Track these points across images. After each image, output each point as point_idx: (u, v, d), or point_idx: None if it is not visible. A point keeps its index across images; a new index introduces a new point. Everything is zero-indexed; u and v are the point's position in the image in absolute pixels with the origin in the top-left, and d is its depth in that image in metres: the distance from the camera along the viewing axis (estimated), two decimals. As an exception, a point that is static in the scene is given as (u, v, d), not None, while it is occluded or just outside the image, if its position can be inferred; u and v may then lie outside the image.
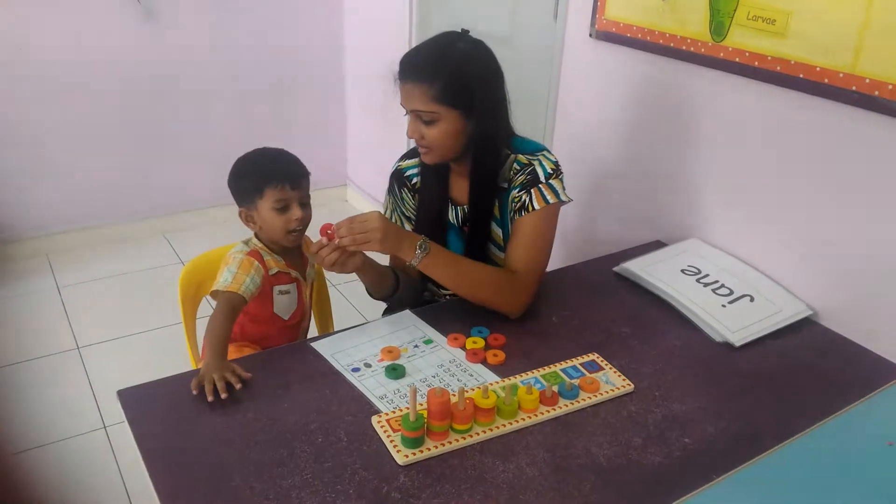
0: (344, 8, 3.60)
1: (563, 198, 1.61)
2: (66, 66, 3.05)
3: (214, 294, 1.57)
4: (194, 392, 1.29)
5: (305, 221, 1.66)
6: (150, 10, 3.14)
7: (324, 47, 3.64)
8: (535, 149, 1.65)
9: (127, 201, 3.41)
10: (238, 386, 1.30)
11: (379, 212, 1.47)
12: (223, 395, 1.28)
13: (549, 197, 1.58)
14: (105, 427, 2.25)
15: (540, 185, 1.59)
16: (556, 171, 1.62)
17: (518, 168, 1.62)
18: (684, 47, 1.86)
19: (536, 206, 1.58)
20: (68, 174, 3.23)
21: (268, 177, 1.61)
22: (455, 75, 1.49)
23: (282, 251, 1.68)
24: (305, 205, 1.66)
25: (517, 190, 1.61)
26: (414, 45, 2.96)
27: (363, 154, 3.82)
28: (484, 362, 1.43)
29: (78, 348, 2.64)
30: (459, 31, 1.57)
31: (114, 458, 2.13)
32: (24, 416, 2.28)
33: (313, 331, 1.89)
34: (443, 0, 2.90)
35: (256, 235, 1.69)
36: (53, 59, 3.02)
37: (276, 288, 1.67)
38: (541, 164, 1.61)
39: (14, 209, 3.13)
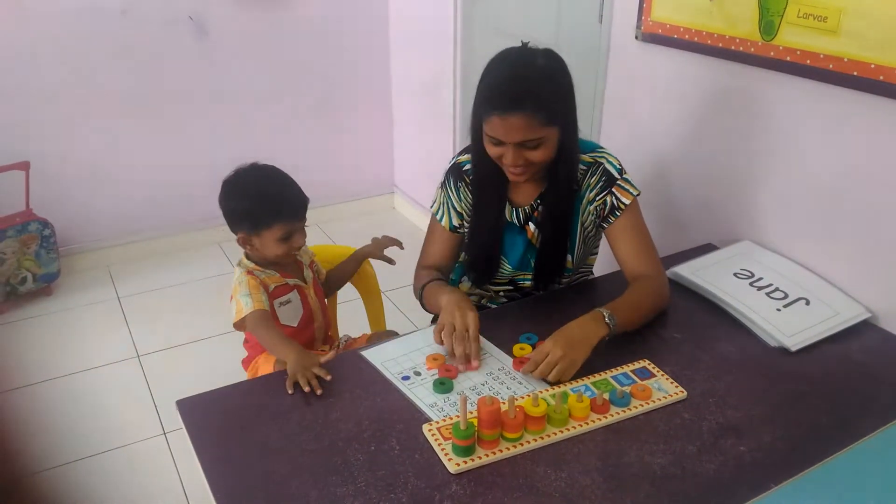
0: (389, 17, 3.64)
1: (638, 189, 1.65)
2: (124, 83, 3.15)
3: (242, 323, 1.60)
4: (290, 392, 1.36)
5: (303, 245, 1.69)
6: (201, 27, 3.23)
7: (370, 56, 3.68)
8: (593, 147, 1.67)
9: (182, 213, 3.50)
10: (328, 377, 1.37)
11: (546, 341, 1.41)
12: (318, 392, 1.35)
13: (632, 190, 1.63)
14: (165, 433, 2.31)
15: (619, 182, 1.62)
16: (622, 165, 1.65)
17: (584, 168, 1.63)
18: (733, 47, 1.83)
19: (626, 202, 1.61)
20: (126, 188, 3.33)
21: (279, 212, 1.60)
22: (553, 94, 1.49)
23: (273, 264, 1.69)
24: (303, 229, 1.68)
25: (593, 192, 1.63)
26: (460, 53, 3.02)
27: (410, 162, 3.85)
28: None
29: (138, 356, 2.72)
30: (520, 44, 1.54)
31: (174, 463, 2.19)
32: (87, 422, 2.36)
33: (348, 329, 1.91)
34: (487, 7, 2.91)
35: (247, 255, 1.69)
36: (109, 75, 3.12)
37: (277, 301, 1.67)
38: (609, 162, 1.63)
39: (76, 223, 3.25)
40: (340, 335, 1.92)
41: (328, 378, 1.38)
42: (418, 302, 1.71)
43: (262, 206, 1.61)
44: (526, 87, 1.46)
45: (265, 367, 1.69)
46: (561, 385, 1.36)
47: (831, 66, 1.61)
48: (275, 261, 1.67)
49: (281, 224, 1.61)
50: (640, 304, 1.55)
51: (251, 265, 1.67)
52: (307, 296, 1.74)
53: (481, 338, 1.50)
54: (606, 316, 1.45)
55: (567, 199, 1.64)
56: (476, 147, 1.60)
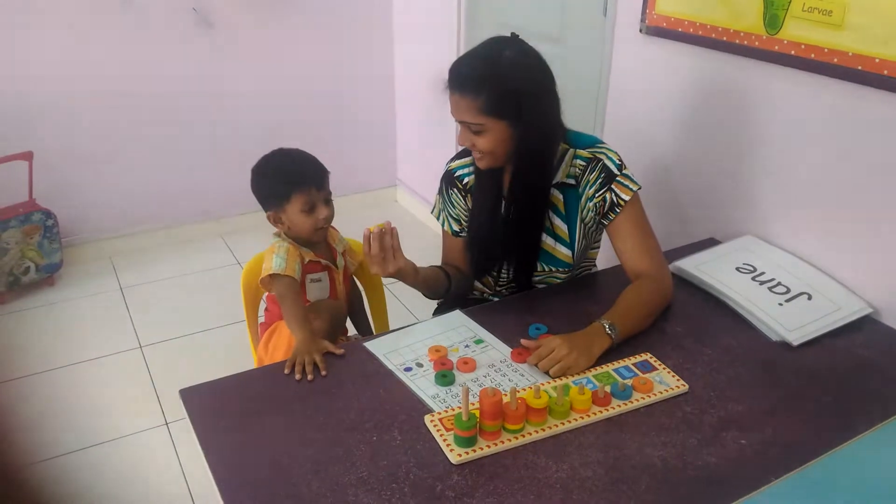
0: (393, 10, 3.63)
1: (638, 184, 1.63)
2: (128, 76, 3.15)
3: (270, 280, 1.64)
4: (286, 372, 1.39)
5: (331, 218, 1.72)
6: (207, 21, 3.22)
7: (373, 49, 3.68)
8: (593, 141, 1.66)
9: (185, 205, 3.51)
10: (324, 373, 1.39)
11: (553, 336, 1.43)
12: (310, 378, 1.37)
13: (631, 186, 1.61)
14: (167, 424, 2.32)
15: (618, 178, 1.61)
16: (622, 160, 1.63)
17: (583, 164, 1.62)
18: (738, 41, 1.83)
19: (626, 199, 1.60)
20: (129, 180, 3.33)
21: (295, 182, 1.66)
22: (501, 87, 1.48)
23: (309, 244, 1.74)
24: (329, 201, 1.72)
25: (592, 189, 1.62)
26: (463, 47, 3.02)
27: (413, 155, 3.85)
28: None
29: (140, 347, 2.72)
30: (509, 35, 1.56)
31: (175, 454, 2.20)
32: (89, 412, 2.37)
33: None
34: (491, 1, 2.90)
35: (283, 234, 1.75)
36: (113, 66, 3.12)
37: (309, 276, 1.72)
38: (608, 157, 1.62)
39: (79, 214, 3.25)
40: (350, 335, 1.93)
41: (324, 373, 1.39)
42: (426, 297, 1.73)
43: (280, 179, 1.68)
44: (473, 71, 1.50)
45: (279, 339, 1.72)
46: (563, 377, 1.37)
47: (836, 60, 1.61)
48: (308, 239, 1.72)
49: (299, 194, 1.65)
50: (641, 308, 1.54)
51: (289, 241, 1.71)
52: (336, 280, 1.78)
53: (483, 329, 1.50)
54: (607, 327, 1.45)
55: (531, 199, 1.62)
56: None
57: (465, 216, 1.73)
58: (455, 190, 1.72)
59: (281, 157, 1.73)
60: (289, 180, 1.67)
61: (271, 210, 1.71)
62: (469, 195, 1.71)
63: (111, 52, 3.10)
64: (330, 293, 1.76)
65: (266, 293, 1.81)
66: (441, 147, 3.28)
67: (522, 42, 1.55)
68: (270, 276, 1.63)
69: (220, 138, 3.45)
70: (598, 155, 1.62)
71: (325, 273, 1.75)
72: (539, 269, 1.71)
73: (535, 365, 1.39)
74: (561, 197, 1.65)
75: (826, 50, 1.63)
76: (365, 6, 3.56)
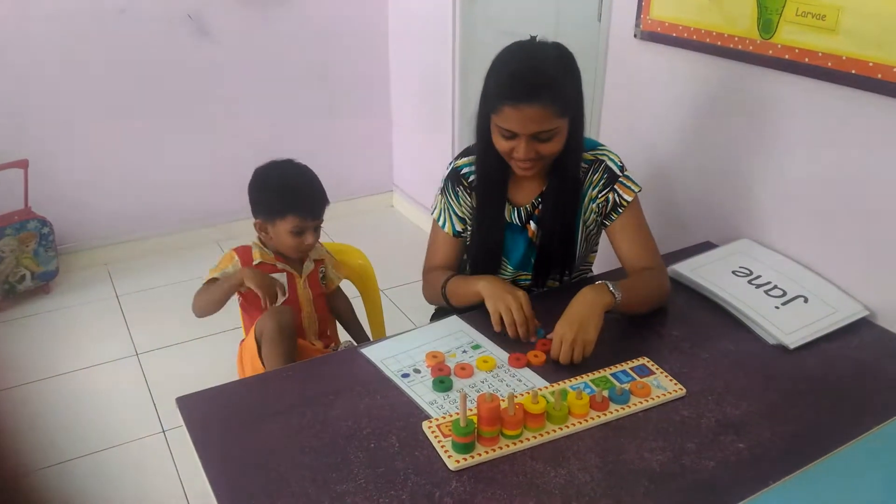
0: (388, 14, 3.64)
1: (639, 185, 1.65)
2: (123, 84, 3.15)
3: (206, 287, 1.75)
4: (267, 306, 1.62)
5: (314, 245, 1.75)
6: (200, 26, 3.22)
7: (368, 54, 3.68)
8: (593, 145, 1.68)
9: (181, 212, 3.50)
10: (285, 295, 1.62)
11: (556, 326, 1.43)
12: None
13: (633, 187, 1.63)
14: (164, 431, 2.31)
15: (621, 180, 1.62)
16: (623, 162, 1.65)
17: (585, 166, 1.64)
18: (732, 45, 1.83)
19: (629, 199, 1.62)
20: (125, 187, 3.33)
21: (293, 205, 1.67)
22: (568, 85, 1.50)
23: (279, 253, 1.77)
24: (318, 228, 1.74)
25: (595, 190, 1.63)
26: (458, 51, 3.02)
27: (409, 161, 3.84)
28: (529, 365, 1.44)
29: (137, 355, 2.71)
30: (529, 38, 1.54)
31: (173, 462, 2.19)
32: (86, 421, 2.36)
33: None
34: (486, 5, 2.91)
35: (261, 240, 1.77)
36: (108, 73, 3.12)
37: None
38: (610, 159, 1.64)
39: (75, 221, 3.25)
40: (343, 341, 1.92)
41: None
42: (429, 303, 1.72)
43: (280, 196, 1.69)
44: (542, 78, 1.46)
45: (245, 353, 1.74)
46: (560, 382, 1.37)
47: (830, 64, 1.62)
48: (284, 253, 1.74)
49: (294, 217, 1.67)
50: (643, 289, 1.55)
51: (258, 244, 1.75)
52: (296, 285, 1.78)
53: (480, 335, 1.51)
54: (611, 286, 1.45)
55: (572, 192, 1.64)
56: (482, 144, 1.60)
57: (471, 215, 1.72)
58: (462, 188, 1.71)
59: (288, 172, 1.73)
60: (288, 201, 1.67)
61: (261, 218, 1.72)
62: (474, 193, 1.71)
63: (107, 60, 3.09)
64: (289, 295, 1.76)
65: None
66: (438, 152, 3.28)
67: (546, 41, 1.54)
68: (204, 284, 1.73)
69: (215, 145, 3.45)
70: (599, 157, 1.64)
71: (282, 274, 1.76)
72: None
73: (560, 361, 1.41)
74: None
75: (820, 54, 1.63)
76: (359, 10, 3.57)
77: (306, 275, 1.79)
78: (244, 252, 1.74)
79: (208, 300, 1.70)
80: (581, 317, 1.41)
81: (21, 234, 2.94)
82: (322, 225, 1.77)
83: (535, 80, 1.46)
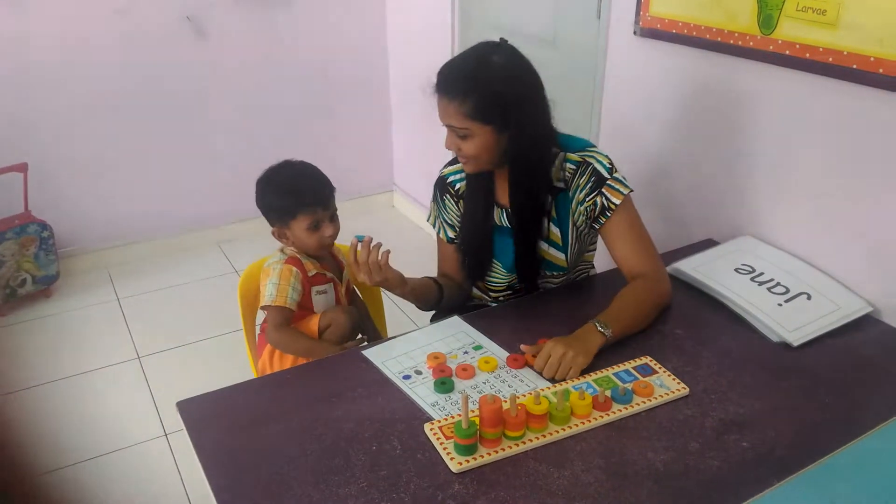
0: (387, 14, 3.63)
1: (630, 187, 1.61)
2: (122, 86, 3.15)
3: (266, 308, 1.67)
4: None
5: (336, 235, 1.72)
6: (199, 28, 3.22)
7: (368, 55, 3.67)
8: (583, 145, 1.65)
9: (181, 214, 3.49)
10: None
11: (550, 340, 1.42)
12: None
13: (622, 189, 1.59)
14: (166, 434, 2.31)
15: (608, 182, 1.59)
16: (612, 163, 1.62)
17: (573, 168, 1.61)
18: (732, 41, 1.82)
19: (617, 202, 1.58)
20: (125, 190, 3.32)
21: (300, 202, 1.66)
22: (486, 92, 1.48)
23: (315, 256, 1.75)
24: (334, 218, 1.72)
25: (583, 193, 1.60)
26: (457, 50, 3.01)
27: (409, 160, 3.84)
28: (528, 365, 1.43)
29: (139, 358, 2.71)
30: (498, 40, 1.55)
31: (175, 465, 2.18)
32: (87, 425, 2.36)
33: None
34: (485, 4, 2.90)
35: (285, 248, 1.75)
36: (107, 76, 3.11)
37: (315, 289, 1.73)
38: (597, 161, 1.60)
39: (75, 224, 3.24)
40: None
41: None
42: (418, 308, 1.73)
43: (287, 197, 1.68)
44: (459, 76, 1.50)
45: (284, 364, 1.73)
46: (563, 383, 1.36)
47: (830, 59, 1.61)
48: (313, 254, 1.73)
49: (305, 213, 1.66)
50: (635, 307, 1.53)
51: (294, 251, 1.72)
52: (339, 293, 1.78)
53: (482, 335, 1.50)
54: (598, 325, 1.44)
55: (533, 199, 1.61)
56: None
57: (459, 222, 1.72)
58: (448, 196, 1.72)
59: (287, 172, 1.72)
60: (295, 198, 1.66)
61: (276, 225, 1.71)
62: (461, 200, 1.71)
63: (106, 62, 3.09)
64: (335, 304, 1.77)
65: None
66: (437, 152, 3.25)
67: (511, 48, 1.54)
68: (262, 307, 1.68)
69: (215, 147, 3.44)
70: (587, 159, 1.60)
71: (330, 285, 1.75)
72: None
73: (541, 371, 1.39)
74: (552, 201, 1.64)
75: (821, 49, 1.62)
76: (358, 10, 3.56)
77: (345, 283, 1.80)
78: (298, 264, 1.70)
79: (296, 350, 1.68)
80: (578, 346, 1.40)
81: (21, 238, 2.94)
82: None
83: (450, 74, 1.52)
